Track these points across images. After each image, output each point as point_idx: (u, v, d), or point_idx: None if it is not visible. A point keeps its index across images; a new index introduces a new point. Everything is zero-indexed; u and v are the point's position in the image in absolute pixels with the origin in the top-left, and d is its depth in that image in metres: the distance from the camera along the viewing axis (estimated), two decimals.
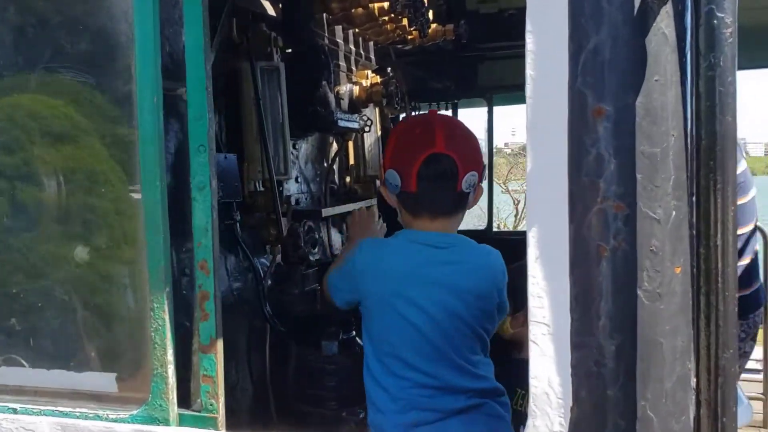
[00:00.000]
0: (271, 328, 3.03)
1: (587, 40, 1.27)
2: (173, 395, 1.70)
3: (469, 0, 4.56)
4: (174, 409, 1.71)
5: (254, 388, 3.06)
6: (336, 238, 3.98)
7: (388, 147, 2.37)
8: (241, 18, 3.00)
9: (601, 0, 1.27)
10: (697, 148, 1.20)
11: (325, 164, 3.96)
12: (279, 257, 3.16)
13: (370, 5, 3.44)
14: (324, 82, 3.20)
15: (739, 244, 3.42)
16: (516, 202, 16.33)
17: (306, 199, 3.69)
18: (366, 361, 2.34)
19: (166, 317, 1.65)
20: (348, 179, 4.16)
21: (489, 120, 5.35)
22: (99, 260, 1.78)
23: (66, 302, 1.83)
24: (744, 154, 3.98)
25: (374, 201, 3.99)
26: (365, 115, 3.78)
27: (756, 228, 3.72)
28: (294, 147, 3.53)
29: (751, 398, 4.63)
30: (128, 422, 1.73)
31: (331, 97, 3.27)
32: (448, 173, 2.22)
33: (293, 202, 3.38)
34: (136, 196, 1.68)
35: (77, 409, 1.79)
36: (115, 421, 1.75)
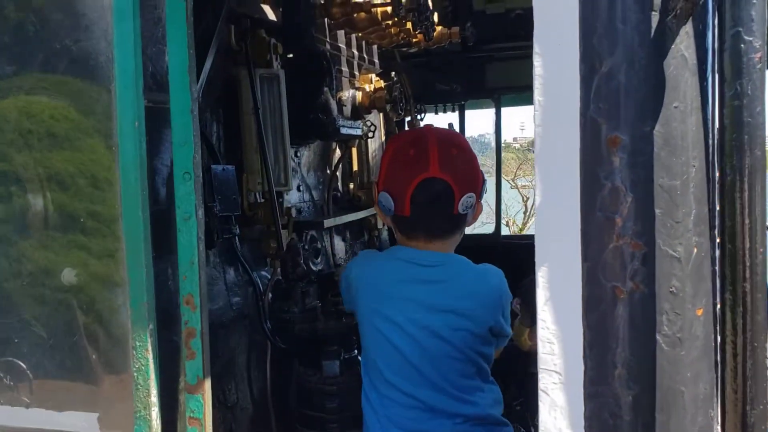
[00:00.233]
0: (271, 345, 2.95)
1: (600, 63, 1.17)
2: None
3: (477, 0, 4.45)
4: None
5: (254, 407, 2.97)
6: (339, 246, 3.90)
7: (382, 166, 2.25)
8: (239, 24, 2.91)
9: (615, 19, 1.16)
10: (722, 185, 1.09)
11: (328, 171, 3.87)
12: (279, 271, 3.07)
13: (373, 10, 3.33)
14: (325, 89, 3.12)
15: None
16: (525, 198, 16.19)
17: (308, 207, 3.60)
18: (361, 373, 2.28)
19: (150, 356, 1.55)
20: (351, 186, 4.07)
21: (497, 122, 5.24)
22: (79, 296, 1.67)
23: (45, 340, 1.73)
24: None
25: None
26: (369, 120, 3.68)
27: None
28: (296, 154, 3.44)
29: None
30: None
31: (333, 104, 3.18)
32: (442, 198, 2.10)
33: (295, 211, 3.29)
34: (118, 228, 1.58)
35: None
36: None
